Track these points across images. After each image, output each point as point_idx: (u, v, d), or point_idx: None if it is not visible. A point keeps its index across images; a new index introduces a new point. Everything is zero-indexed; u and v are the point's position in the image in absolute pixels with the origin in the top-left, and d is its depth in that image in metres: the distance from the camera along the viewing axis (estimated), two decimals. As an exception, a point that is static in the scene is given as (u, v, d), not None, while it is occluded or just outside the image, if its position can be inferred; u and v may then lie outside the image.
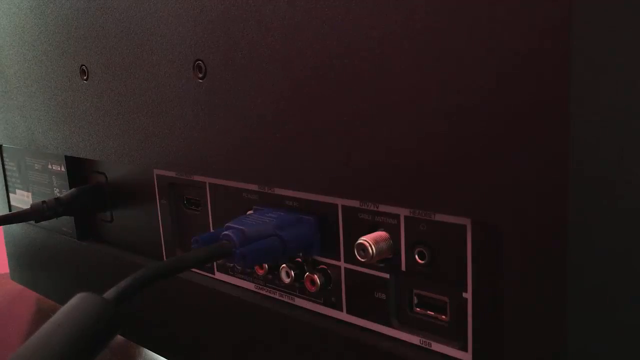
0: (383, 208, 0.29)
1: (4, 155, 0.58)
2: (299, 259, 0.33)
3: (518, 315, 0.24)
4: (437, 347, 0.28)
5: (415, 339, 0.29)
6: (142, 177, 0.43)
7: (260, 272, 0.35)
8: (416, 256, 0.28)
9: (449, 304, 0.27)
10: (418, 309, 0.29)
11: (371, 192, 0.27)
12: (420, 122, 0.25)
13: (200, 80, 0.34)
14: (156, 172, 0.41)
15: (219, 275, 0.39)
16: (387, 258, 0.29)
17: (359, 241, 0.28)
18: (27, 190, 0.56)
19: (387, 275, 0.29)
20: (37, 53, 0.46)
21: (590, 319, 0.23)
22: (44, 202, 0.46)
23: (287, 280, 0.34)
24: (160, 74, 0.36)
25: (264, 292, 0.36)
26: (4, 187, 0.59)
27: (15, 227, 0.59)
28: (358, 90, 0.27)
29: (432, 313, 0.28)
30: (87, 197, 0.48)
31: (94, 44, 0.41)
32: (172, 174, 0.40)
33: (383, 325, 0.30)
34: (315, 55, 0.28)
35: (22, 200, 0.57)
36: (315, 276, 0.32)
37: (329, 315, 0.32)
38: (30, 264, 0.58)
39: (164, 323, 0.42)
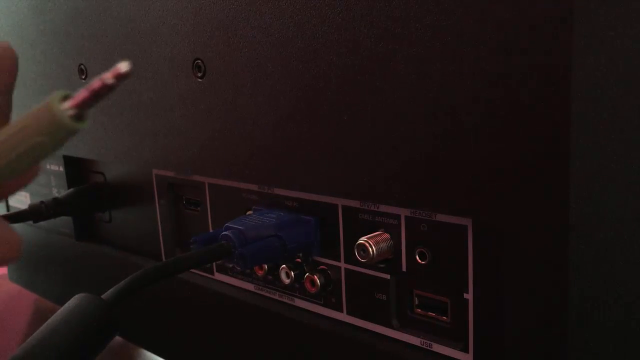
0: (383, 208, 0.29)
1: (2, 155, 0.58)
2: (299, 260, 0.33)
3: (519, 316, 0.24)
4: (437, 348, 0.28)
5: (415, 340, 0.29)
6: (141, 177, 0.43)
7: (260, 272, 0.35)
8: (417, 257, 0.28)
9: (450, 304, 0.27)
10: (419, 310, 0.29)
11: (372, 192, 0.27)
12: (421, 122, 0.25)
13: (200, 80, 0.33)
14: (155, 172, 0.41)
15: (218, 276, 0.39)
16: (387, 258, 0.29)
17: (360, 241, 0.28)
18: (26, 190, 0.56)
19: (387, 276, 0.29)
20: (36, 52, 0.46)
21: (591, 319, 0.23)
22: (42, 202, 0.46)
23: (286, 281, 0.33)
24: (159, 73, 0.36)
25: (263, 293, 0.36)
26: (2, 187, 0.59)
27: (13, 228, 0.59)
28: (359, 90, 0.26)
29: (433, 314, 0.28)
30: (86, 197, 0.48)
31: (92, 43, 0.41)
32: (171, 173, 0.40)
33: (383, 326, 0.30)
34: (315, 54, 0.28)
35: (20, 200, 0.57)
36: (315, 277, 0.32)
37: (329, 316, 0.32)
38: (29, 265, 0.57)
39: (163, 324, 0.42)
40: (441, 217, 0.26)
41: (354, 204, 0.30)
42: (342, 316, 0.32)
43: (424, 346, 0.28)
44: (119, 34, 0.38)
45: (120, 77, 0.16)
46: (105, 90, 0.16)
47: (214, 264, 0.39)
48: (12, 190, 0.21)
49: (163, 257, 0.43)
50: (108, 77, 0.16)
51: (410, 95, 0.25)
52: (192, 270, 0.39)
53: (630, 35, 0.22)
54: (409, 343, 0.29)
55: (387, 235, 0.28)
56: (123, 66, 0.16)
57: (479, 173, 0.23)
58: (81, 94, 0.17)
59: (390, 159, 0.26)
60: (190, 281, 0.39)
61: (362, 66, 0.26)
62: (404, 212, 0.28)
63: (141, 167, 0.43)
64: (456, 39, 0.23)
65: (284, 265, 0.33)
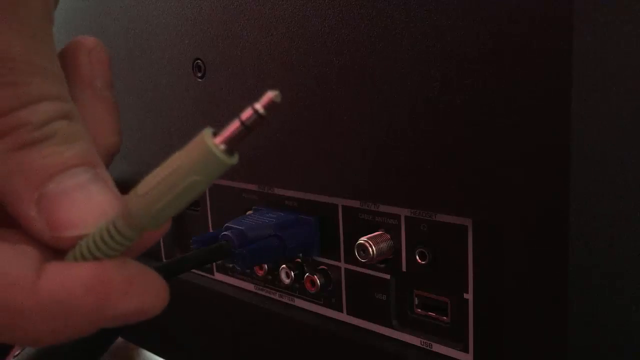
0: (384, 208, 0.28)
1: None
2: (299, 260, 0.33)
3: (519, 316, 0.24)
4: (437, 348, 0.28)
5: (416, 340, 0.29)
6: (139, 177, 0.43)
7: (260, 272, 0.35)
8: (417, 257, 0.28)
9: (450, 304, 0.27)
10: (419, 310, 0.29)
11: (372, 192, 0.27)
12: (422, 121, 0.25)
13: (200, 80, 0.33)
14: (155, 172, 0.41)
15: (218, 276, 0.38)
16: (387, 258, 0.29)
17: (360, 241, 0.28)
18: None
19: (387, 276, 0.29)
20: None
21: (591, 319, 0.23)
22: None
23: (286, 281, 0.33)
24: (159, 73, 0.36)
25: (263, 293, 0.36)
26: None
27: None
28: (359, 90, 0.26)
29: (433, 314, 0.28)
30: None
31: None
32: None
33: (383, 326, 0.30)
34: (315, 54, 0.28)
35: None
36: (315, 277, 0.32)
37: (329, 316, 0.32)
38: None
39: (163, 324, 0.42)
40: (441, 217, 0.26)
41: (354, 204, 0.30)
42: (342, 316, 0.32)
43: (424, 346, 0.28)
44: (119, 34, 0.38)
45: (272, 107, 0.15)
46: (257, 122, 0.16)
47: (214, 264, 0.38)
48: (154, 240, 0.19)
49: (163, 257, 0.43)
50: (259, 107, 0.15)
51: (410, 95, 0.25)
52: (192, 270, 0.39)
53: (632, 35, 0.22)
54: (409, 343, 0.29)
55: (387, 235, 0.28)
56: (274, 94, 0.15)
57: (479, 173, 0.23)
58: (231, 128, 0.16)
59: (391, 159, 0.26)
60: (190, 281, 0.39)
61: (363, 66, 0.26)
62: (404, 212, 0.28)
63: (140, 167, 0.43)
64: (455, 39, 0.23)
65: (284, 265, 0.33)
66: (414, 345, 0.29)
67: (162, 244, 0.42)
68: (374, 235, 0.28)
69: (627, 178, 0.24)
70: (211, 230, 0.38)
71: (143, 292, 0.17)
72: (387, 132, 0.26)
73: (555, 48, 0.20)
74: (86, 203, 0.17)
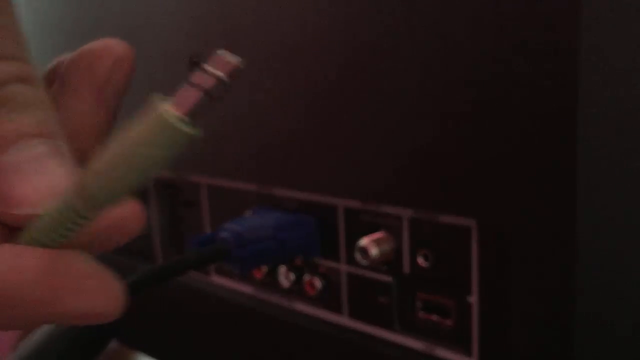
0: (385, 209, 0.28)
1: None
2: (299, 262, 0.33)
3: (524, 319, 0.23)
4: (441, 352, 0.27)
5: (418, 344, 0.28)
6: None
7: (259, 275, 0.35)
8: (420, 259, 0.27)
9: (454, 308, 0.27)
10: (422, 313, 0.28)
11: (373, 192, 0.27)
12: (424, 122, 0.24)
13: (197, 78, 0.33)
14: (152, 172, 0.41)
15: (216, 278, 0.38)
16: (389, 260, 0.28)
17: (361, 243, 0.28)
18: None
19: (389, 279, 0.29)
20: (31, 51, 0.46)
21: (597, 322, 0.23)
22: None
23: (286, 284, 0.33)
24: (155, 71, 0.36)
25: (262, 296, 0.35)
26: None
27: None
28: (361, 89, 0.26)
29: (437, 317, 0.28)
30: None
31: (88, 41, 0.40)
32: (168, 173, 0.40)
33: (386, 330, 0.30)
34: (315, 53, 0.27)
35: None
36: (316, 279, 0.31)
37: (330, 319, 0.32)
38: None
39: (159, 328, 0.42)
40: (445, 218, 0.26)
41: (355, 204, 0.29)
42: (343, 320, 0.31)
43: (427, 350, 0.28)
44: (114, 32, 0.38)
45: (235, 72, 0.14)
46: (220, 91, 0.14)
47: (212, 266, 0.38)
48: (119, 239, 0.17)
49: (159, 259, 0.42)
50: (220, 73, 0.14)
51: (413, 95, 0.24)
52: (189, 272, 0.39)
53: (635, 34, 0.22)
54: (411, 347, 0.29)
55: (389, 237, 0.28)
56: (231, 57, 0.14)
57: (483, 173, 0.23)
58: (191, 98, 0.14)
59: (393, 159, 0.26)
60: (186, 284, 0.39)
61: (364, 65, 0.26)
62: (406, 213, 0.27)
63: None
64: (459, 40, 0.23)
65: (283, 268, 0.33)
66: (416, 349, 0.28)
67: (158, 244, 0.42)
68: (375, 237, 0.28)
69: (634, 179, 0.23)
70: (209, 232, 0.38)
71: (96, 293, 0.15)
72: (389, 132, 0.25)
73: (560, 48, 0.20)
74: (40, 178, 0.16)
